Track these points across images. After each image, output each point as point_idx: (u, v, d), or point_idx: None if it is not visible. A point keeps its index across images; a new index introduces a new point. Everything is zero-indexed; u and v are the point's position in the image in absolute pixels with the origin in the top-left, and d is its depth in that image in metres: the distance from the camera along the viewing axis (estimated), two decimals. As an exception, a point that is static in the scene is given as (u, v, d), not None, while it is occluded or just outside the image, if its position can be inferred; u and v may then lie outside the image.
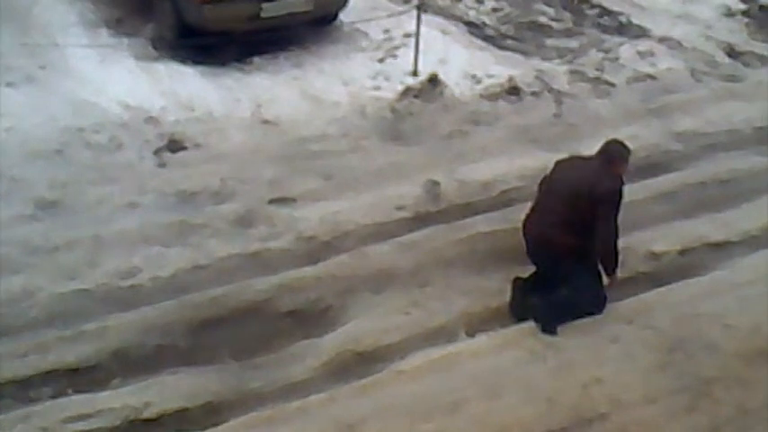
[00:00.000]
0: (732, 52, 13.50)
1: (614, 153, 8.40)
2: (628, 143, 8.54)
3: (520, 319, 8.48)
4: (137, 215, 9.42)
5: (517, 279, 8.61)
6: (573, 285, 8.42)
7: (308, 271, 8.94)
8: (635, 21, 14.08)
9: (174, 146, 10.51)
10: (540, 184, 8.60)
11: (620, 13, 14.30)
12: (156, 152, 10.45)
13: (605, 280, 8.43)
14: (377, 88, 11.88)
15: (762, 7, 14.68)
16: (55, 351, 7.90)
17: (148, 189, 9.80)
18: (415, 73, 12.05)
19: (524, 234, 8.54)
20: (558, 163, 8.60)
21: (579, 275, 8.34)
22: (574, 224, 8.12)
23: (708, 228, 9.73)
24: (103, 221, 9.29)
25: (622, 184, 8.25)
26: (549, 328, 8.27)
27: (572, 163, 8.56)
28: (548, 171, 8.64)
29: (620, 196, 8.16)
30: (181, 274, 8.86)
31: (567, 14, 14.22)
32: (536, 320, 8.35)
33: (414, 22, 12.11)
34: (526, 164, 10.04)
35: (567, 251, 8.19)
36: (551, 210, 8.26)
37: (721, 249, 9.52)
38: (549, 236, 8.24)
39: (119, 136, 10.53)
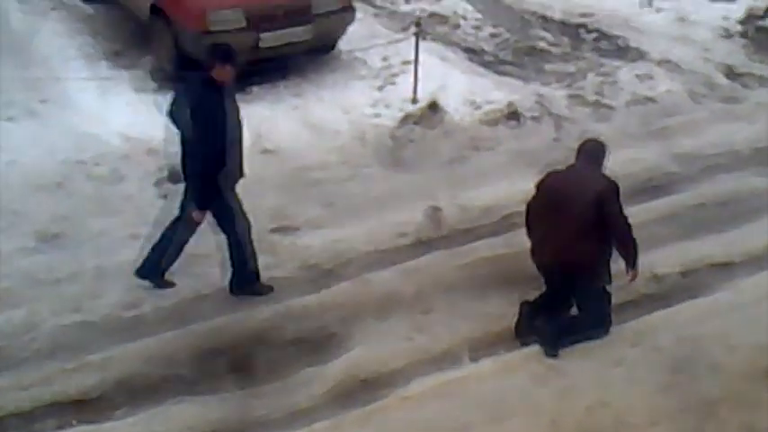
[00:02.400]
0: (731, 73, 13.52)
1: (594, 152, 8.53)
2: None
3: (525, 342, 8.48)
4: (138, 246, 9.43)
5: (524, 303, 8.60)
6: (581, 307, 8.45)
7: (312, 299, 8.96)
8: (633, 44, 14.12)
9: (175, 177, 10.49)
10: (527, 210, 8.64)
11: (618, 37, 14.34)
12: (157, 183, 10.48)
13: (625, 278, 8.45)
14: (377, 116, 11.91)
15: (759, 29, 14.70)
16: (59, 382, 7.90)
17: (150, 220, 9.80)
18: (414, 100, 12.06)
19: (537, 261, 8.53)
20: (540, 184, 8.58)
21: (588, 297, 8.38)
22: (587, 234, 8.14)
23: (710, 248, 9.72)
24: (106, 253, 9.31)
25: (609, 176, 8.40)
26: (552, 351, 8.27)
27: (558, 178, 8.52)
28: (531, 196, 8.65)
29: (618, 188, 8.26)
30: (184, 303, 8.87)
31: (565, 39, 14.27)
32: (540, 343, 8.34)
33: (412, 48, 12.14)
34: (527, 188, 9.94)
35: (585, 265, 8.21)
36: (561, 229, 8.21)
37: (724, 270, 9.50)
38: (567, 254, 8.21)
39: (119, 168, 10.58)
